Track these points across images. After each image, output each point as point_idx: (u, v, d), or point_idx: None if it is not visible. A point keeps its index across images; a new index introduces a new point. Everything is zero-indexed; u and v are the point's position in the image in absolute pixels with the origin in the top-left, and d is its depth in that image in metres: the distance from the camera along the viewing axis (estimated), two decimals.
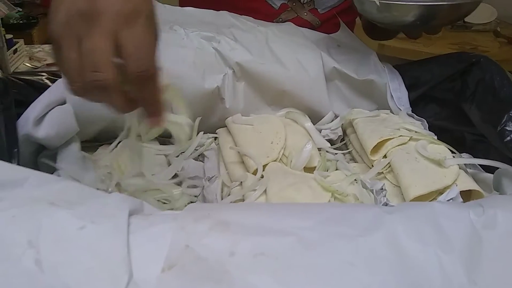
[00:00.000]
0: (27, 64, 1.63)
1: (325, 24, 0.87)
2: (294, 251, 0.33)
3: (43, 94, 0.56)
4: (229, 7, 0.79)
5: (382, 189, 0.49)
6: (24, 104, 0.55)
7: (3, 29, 1.46)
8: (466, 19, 2.06)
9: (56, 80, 0.58)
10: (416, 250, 0.34)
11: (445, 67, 0.64)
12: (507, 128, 0.52)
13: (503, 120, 0.53)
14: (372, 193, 0.49)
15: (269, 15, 0.84)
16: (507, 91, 0.54)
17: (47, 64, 1.64)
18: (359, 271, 0.32)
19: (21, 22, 1.97)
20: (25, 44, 1.70)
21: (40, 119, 0.54)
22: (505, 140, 0.52)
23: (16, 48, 1.59)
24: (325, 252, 0.33)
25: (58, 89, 0.56)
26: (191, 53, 0.65)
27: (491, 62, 0.58)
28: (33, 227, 0.32)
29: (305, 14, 0.86)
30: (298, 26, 0.81)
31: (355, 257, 0.33)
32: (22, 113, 0.55)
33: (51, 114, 0.55)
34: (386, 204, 0.47)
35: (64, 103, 0.56)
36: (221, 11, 0.77)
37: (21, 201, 0.35)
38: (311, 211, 0.37)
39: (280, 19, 0.85)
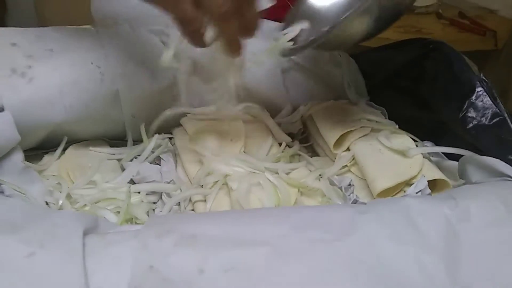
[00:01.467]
0: None
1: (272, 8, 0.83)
2: (268, 262, 0.31)
3: None
4: None
5: (350, 185, 0.47)
6: None
7: None
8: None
9: None
10: (395, 251, 0.33)
11: (402, 53, 0.63)
12: (469, 114, 0.52)
13: (464, 107, 0.52)
14: (341, 190, 0.47)
15: None
16: (466, 77, 0.54)
17: None
18: (340, 279, 0.31)
19: None
20: None
21: None
22: (468, 127, 0.51)
23: None
24: (302, 261, 0.31)
25: None
26: (139, 49, 0.61)
27: (448, 48, 0.58)
28: None
29: None
30: None
31: (335, 264, 0.31)
32: None
33: None
34: (356, 201, 0.46)
35: (2, 110, 0.51)
36: None
37: None
38: (282, 215, 0.35)
39: None
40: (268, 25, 0.72)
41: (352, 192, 0.47)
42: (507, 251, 0.36)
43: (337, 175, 0.52)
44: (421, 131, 0.59)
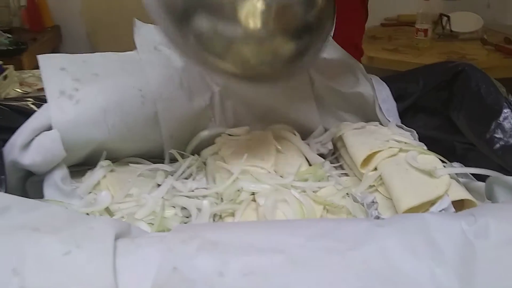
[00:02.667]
0: (17, 90, 1.63)
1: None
2: (284, 269, 0.32)
3: (29, 119, 0.55)
4: None
5: (373, 202, 0.48)
6: (10, 130, 0.55)
7: None
8: (452, 28, 2.08)
9: (42, 105, 0.58)
10: (409, 263, 0.34)
11: (431, 76, 0.65)
12: (496, 135, 0.52)
13: (491, 128, 0.53)
14: (363, 206, 0.48)
15: None
16: (494, 98, 0.54)
17: (38, 89, 1.64)
18: (352, 286, 0.32)
19: (10, 48, 1.98)
20: (15, 70, 1.70)
21: (26, 145, 0.54)
22: (494, 147, 0.52)
23: (6, 75, 1.59)
24: (316, 269, 0.32)
25: (44, 114, 0.56)
26: (177, 73, 0.65)
27: (476, 70, 0.58)
28: (18, 254, 0.32)
29: None
30: None
31: (347, 272, 0.33)
32: (8, 139, 0.54)
33: (38, 140, 0.54)
34: (377, 217, 0.47)
35: (50, 128, 0.55)
36: None
37: (4, 229, 0.34)
38: (301, 227, 0.37)
39: None
40: None
41: (376, 209, 0.48)
42: None
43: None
44: (451, 153, 0.60)
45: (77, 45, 2.55)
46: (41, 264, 0.31)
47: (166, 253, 0.33)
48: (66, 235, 0.33)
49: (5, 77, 1.58)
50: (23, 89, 1.64)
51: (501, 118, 0.53)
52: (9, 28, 2.27)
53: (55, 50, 2.52)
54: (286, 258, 0.33)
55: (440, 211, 0.46)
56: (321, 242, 0.35)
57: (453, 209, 0.47)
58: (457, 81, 0.60)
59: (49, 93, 0.57)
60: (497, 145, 0.52)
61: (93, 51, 0.66)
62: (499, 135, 0.52)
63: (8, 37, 2.05)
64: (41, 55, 0.62)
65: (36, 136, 0.55)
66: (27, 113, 0.57)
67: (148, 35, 0.71)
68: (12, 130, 0.55)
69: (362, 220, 0.38)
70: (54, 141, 0.55)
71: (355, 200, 0.50)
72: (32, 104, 0.59)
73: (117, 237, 0.35)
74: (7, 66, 1.64)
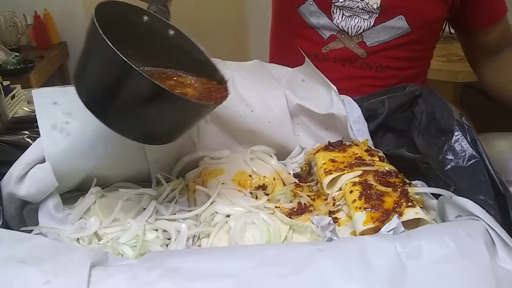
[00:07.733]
0: (25, 108, 1.70)
1: (372, 55, 0.94)
2: None
3: (24, 153, 0.61)
4: (292, 33, 0.94)
5: (329, 223, 0.53)
6: (7, 164, 0.60)
7: (0, 76, 1.53)
8: (452, 31, 2.10)
9: (37, 138, 0.63)
10: (341, 284, 0.39)
11: (394, 99, 0.69)
12: (448, 157, 0.57)
13: (444, 149, 0.57)
14: (319, 228, 0.53)
15: (318, 43, 0.95)
16: (446, 122, 0.59)
17: None
18: None
19: (18, 67, 2.05)
20: (22, 88, 1.76)
21: (21, 178, 0.59)
22: (446, 168, 0.56)
23: (14, 94, 1.65)
24: None
25: (37, 148, 0.61)
26: None
27: (433, 94, 0.63)
28: (5, 284, 0.37)
29: (353, 45, 0.94)
30: (344, 56, 0.92)
31: None
32: (5, 173, 0.60)
33: (32, 172, 0.60)
34: (330, 239, 0.52)
35: (43, 161, 0.61)
36: None
37: None
38: (254, 253, 0.42)
39: (328, 48, 0.95)
40: None
41: (331, 231, 0.53)
42: (456, 284, 0.41)
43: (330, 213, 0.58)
44: (415, 171, 0.65)
45: None
46: None
47: (132, 281, 0.38)
48: (48, 267, 0.39)
49: (13, 97, 1.65)
50: (30, 108, 1.71)
51: (452, 141, 0.57)
52: (17, 46, 2.36)
53: (62, 66, 2.61)
54: (235, 281, 0.38)
55: (390, 230, 0.51)
56: (267, 267, 0.40)
57: (403, 229, 0.52)
58: (417, 104, 0.65)
59: (42, 128, 0.63)
60: (448, 166, 0.56)
61: None
62: (450, 156, 0.57)
63: (16, 55, 2.13)
64: (35, 90, 0.68)
65: (31, 168, 0.60)
66: (23, 147, 0.63)
67: None
68: (9, 163, 0.60)
69: (306, 245, 0.43)
70: (47, 172, 0.60)
71: (312, 222, 0.55)
72: (28, 137, 0.64)
73: (93, 266, 0.41)
74: (15, 85, 1.71)
